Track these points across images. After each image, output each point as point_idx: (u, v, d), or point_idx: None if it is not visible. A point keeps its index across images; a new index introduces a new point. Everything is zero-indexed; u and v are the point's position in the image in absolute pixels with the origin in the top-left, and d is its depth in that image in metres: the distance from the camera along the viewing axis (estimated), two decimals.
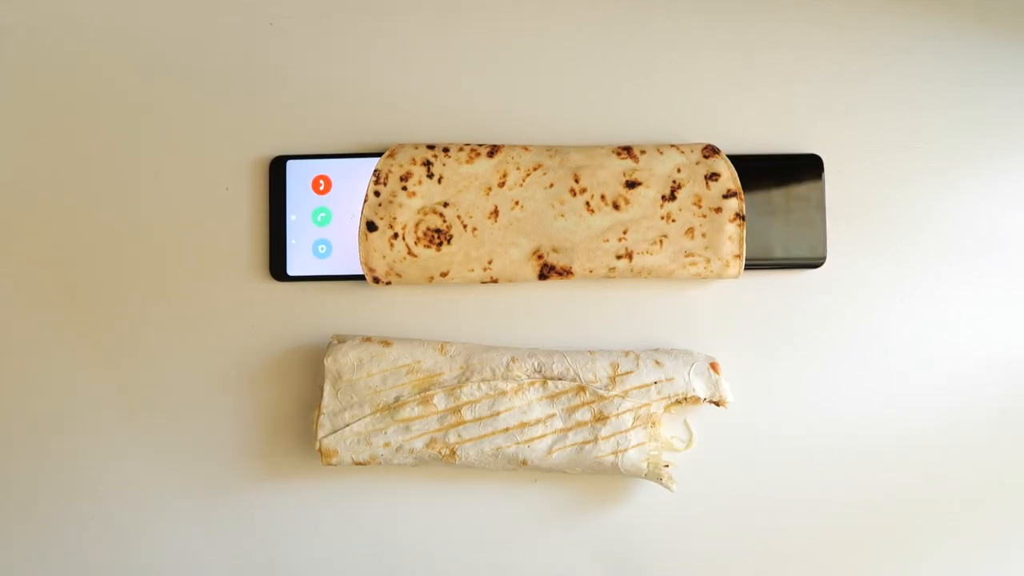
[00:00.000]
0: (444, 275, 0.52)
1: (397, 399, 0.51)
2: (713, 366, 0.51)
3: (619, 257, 0.52)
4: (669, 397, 0.51)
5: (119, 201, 0.54)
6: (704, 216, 0.52)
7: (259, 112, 0.55)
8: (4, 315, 0.54)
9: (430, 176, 0.52)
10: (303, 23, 0.55)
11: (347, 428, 0.50)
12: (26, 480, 0.53)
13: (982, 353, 0.54)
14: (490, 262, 0.52)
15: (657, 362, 0.51)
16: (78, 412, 0.53)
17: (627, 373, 0.51)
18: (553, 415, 0.51)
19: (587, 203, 0.52)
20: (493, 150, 0.52)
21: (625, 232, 0.52)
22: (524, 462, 0.50)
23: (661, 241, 0.52)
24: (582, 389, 0.51)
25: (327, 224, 0.53)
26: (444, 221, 0.52)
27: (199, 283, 0.54)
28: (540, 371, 0.51)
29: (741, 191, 0.52)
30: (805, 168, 0.54)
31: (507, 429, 0.50)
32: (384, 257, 0.51)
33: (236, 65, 0.55)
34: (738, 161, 0.53)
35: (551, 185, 0.52)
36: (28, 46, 0.55)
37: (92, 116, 0.55)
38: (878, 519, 0.53)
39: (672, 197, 0.52)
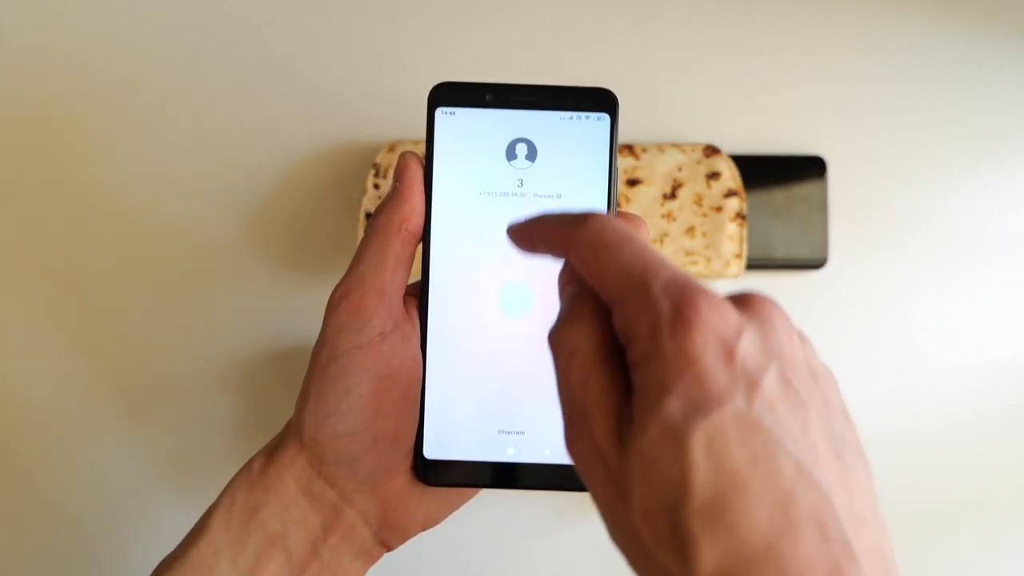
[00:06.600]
0: None
1: None
2: None
3: None
4: None
5: (119, 199, 0.54)
6: (705, 215, 0.52)
7: (258, 112, 0.55)
8: (2, 315, 0.54)
9: None
10: (303, 23, 0.55)
11: None
12: (23, 480, 0.53)
13: (985, 354, 0.54)
14: None
15: None
16: (76, 413, 0.53)
17: None
18: None
19: None
20: None
21: None
22: None
23: (661, 240, 0.52)
24: None
25: None
26: None
27: (200, 281, 0.54)
28: None
29: (742, 190, 0.52)
30: (808, 169, 0.54)
31: None
32: None
33: (235, 64, 0.55)
34: (740, 162, 0.52)
35: None
36: (26, 45, 0.55)
37: (89, 115, 0.55)
38: None
39: (673, 196, 0.52)
